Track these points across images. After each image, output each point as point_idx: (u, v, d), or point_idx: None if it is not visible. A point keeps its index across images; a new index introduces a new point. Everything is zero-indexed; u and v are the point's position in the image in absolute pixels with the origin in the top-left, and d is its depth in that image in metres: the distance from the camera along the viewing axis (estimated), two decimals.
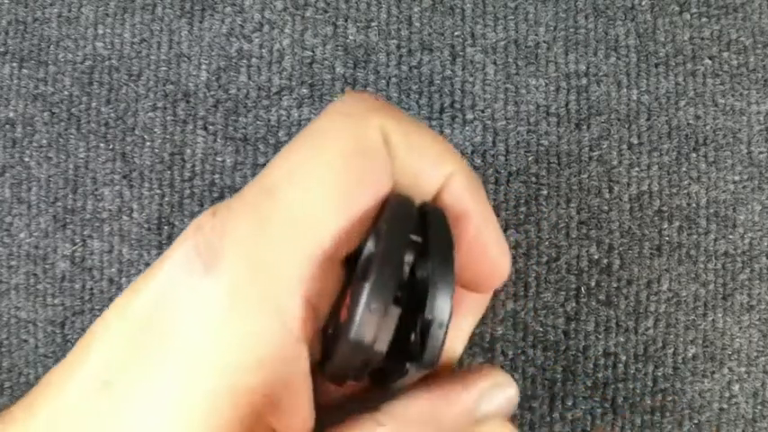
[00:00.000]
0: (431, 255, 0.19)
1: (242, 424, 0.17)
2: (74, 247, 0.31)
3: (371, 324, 0.17)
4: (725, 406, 0.31)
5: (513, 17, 0.32)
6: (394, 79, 0.31)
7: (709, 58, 0.32)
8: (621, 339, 0.31)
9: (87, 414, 0.17)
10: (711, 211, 0.31)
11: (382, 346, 0.18)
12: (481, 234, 0.20)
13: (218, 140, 0.31)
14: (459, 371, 0.21)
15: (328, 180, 0.18)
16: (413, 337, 0.19)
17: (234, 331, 0.17)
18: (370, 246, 0.19)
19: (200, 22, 0.32)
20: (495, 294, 0.31)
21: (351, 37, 0.32)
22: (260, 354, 0.17)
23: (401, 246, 0.18)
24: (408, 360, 0.19)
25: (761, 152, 0.32)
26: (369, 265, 0.18)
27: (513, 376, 0.30)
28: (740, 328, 0.31)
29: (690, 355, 0.31)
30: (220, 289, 0.17)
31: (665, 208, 0.31)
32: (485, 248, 0.20)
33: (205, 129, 0.31)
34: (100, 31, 0.32)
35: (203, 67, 0.32)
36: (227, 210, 0.18)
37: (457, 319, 0.22)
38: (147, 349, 0.17)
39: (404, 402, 0.20)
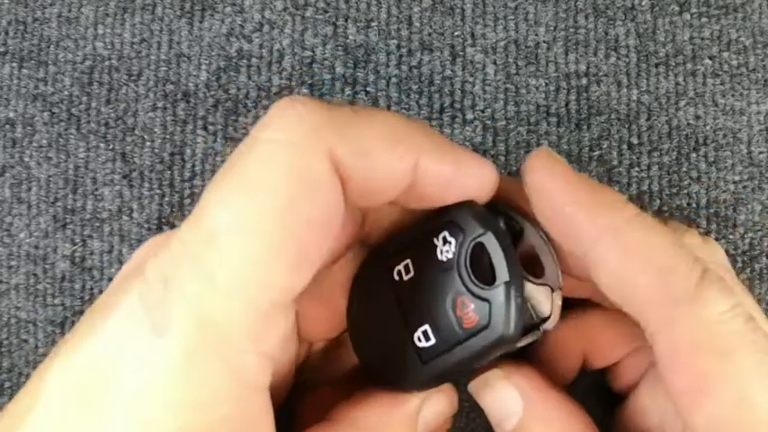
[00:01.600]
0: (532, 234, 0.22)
1: None
2: (74, 247, 0.31)
3: (518, 319, 0.20)
4: None
5: (513, 17, 0.32)
6: (394, 79, 0.31)
7: (710, 58, 0.32)
8: None
9: None
10: (711, 211, 0.31)
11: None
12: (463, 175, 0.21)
13: (218, 140, 0.31)
14: None
15: (271, 228, 0.17)
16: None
17: (189, 395, 0.16)
18: (450, 245, 0.21)
19: (201, 22, 0.32)
20: None
21: (351, 37, 0.32)
22: (221, 414, 0.17)
23: (510, 243, 0.20)
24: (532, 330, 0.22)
25: (761, 152, 0.32)
26: (492, 268, 0.20)
27: None
28: None
29: None
30: (172, 352, 0.16)
31: (665, 208, 0.31)
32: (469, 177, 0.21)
33: (205, 129, 0.31)
34: (100, 31, 0.32)
35: (203, 67, 0.32)
36: (169, 255, 0.17)
37: None
38: (92, 412, 0.16)
39: (359, 410, 0.21)
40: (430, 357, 0.21)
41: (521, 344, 0.22)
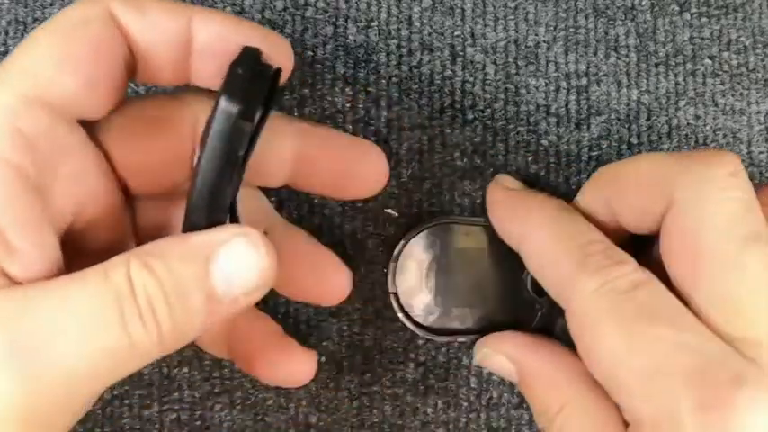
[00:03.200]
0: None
1: None
2: None
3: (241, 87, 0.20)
4: None
5: (513, 17, 0.32)
6: (394, 79, 0.31)
7: (710, 58, 0.32)
8: None
9: None
10: None
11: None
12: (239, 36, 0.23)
13: None
14: None
15: (47, 41, 0.21)
16: None
17: None
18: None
19: None
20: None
21: (351, 37, 0.32)
22: None
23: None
24: None
25: (761, 152, 0.32)
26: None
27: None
28: None
29: None
30: None
31: None
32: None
33: None
34: None
35: None
36: None
37: None
38: None
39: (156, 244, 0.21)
40: (197, 167, 0.21)
41: None
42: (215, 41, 0.22)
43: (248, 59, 0.21)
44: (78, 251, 0.23)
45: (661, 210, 0.25)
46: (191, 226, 0.21)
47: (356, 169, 0.27)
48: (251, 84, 0.21)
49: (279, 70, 0.23)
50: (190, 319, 0.20)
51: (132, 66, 0.23)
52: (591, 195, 0.28)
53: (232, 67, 0.21)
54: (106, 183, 0.23)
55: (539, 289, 0.28)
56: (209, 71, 0.23)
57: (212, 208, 0.21)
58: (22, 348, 0.19)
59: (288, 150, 0.26)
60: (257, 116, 0.21)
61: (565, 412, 0.26)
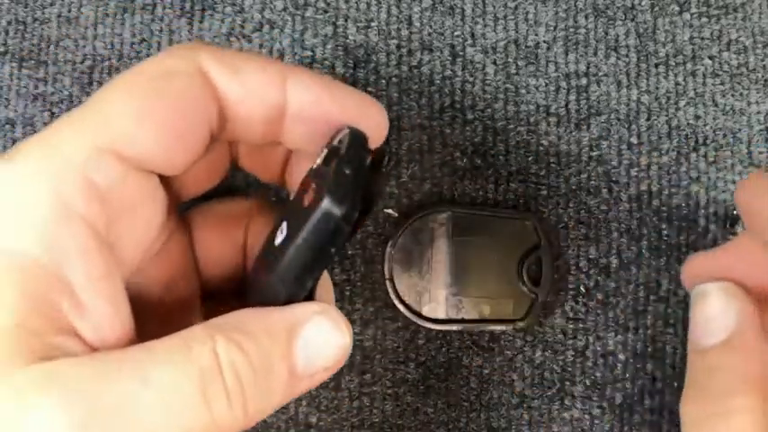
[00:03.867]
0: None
1: (29, 299, 0.18)
2: None
3: (345, 195, 0.19)
4: None
5: (513, 17, 0.32)
6: (394, 79, 0.31)
7: (710, 58, 0.32)
8: (621, 339, 0.31)
9: None
10: (711, 210, 0.31)
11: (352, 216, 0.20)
12: (337, 103, 0.22)
13: None
14: None
15: (127, 91, 0.20)
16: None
17: (11, 199, 0.19)
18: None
19: (200, 22, 0.32)
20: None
21: (351, 37, 0.32)
22: (32, 219, 0.18)
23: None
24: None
25: (761, 152, 0.32)
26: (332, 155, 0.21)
27: (511, 376, 0.31)
28: None
29: None
30: (10, 171, 0.19)
31: (664, 208, 0.31)
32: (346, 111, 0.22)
33: None
34: (100, 31, 0.32)
35: None
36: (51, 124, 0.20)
37: None
38: None
39: (241, 315, 0.21)
40: (283, 250, 0.20)
41: (490, 327, 0.29)
42: (310, 106, 0.22)
43: (355, 152, 0.21)
44: (142, 305, 0.22)
45: None
46: (265, 300, 0.21)
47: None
48: (355, 184, 0.20)
49: (383, 155, 0.22)
50: (272, 396, 0.20)
51: (220, 124, 0.22)
52: None
53: (339, 164, 0.20)
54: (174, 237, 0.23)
55: (534, 279, 0.28)
56: (301, 134, 0.22)
57: (293, 290, 0.21)
58: (99, 421, 0.18)
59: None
60: (356, 216, 0.20)
61: (752, 416, 0.23)
